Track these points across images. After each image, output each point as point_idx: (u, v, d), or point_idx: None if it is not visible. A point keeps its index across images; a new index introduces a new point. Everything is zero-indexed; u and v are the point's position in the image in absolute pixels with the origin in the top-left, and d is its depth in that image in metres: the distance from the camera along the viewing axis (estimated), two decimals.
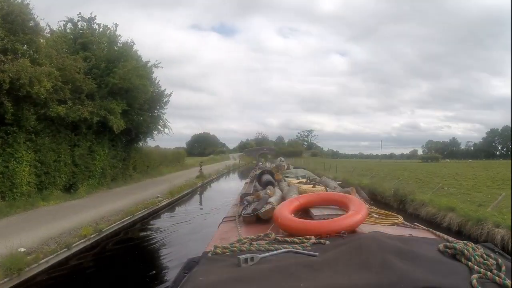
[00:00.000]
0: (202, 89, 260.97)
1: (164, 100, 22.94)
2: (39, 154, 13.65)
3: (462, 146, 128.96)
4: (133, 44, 19.98)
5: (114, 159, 19.62)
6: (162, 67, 21.95)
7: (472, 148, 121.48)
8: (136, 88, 18.23)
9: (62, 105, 14.09)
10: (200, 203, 19.39)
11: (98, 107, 16.11)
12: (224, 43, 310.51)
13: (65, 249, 8.21)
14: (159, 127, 23.24)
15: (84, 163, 16.53)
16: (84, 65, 16.07)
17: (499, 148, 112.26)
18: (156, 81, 22.42)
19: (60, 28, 17.86)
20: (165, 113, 23.67)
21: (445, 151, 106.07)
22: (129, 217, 11.52)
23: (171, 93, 23.49)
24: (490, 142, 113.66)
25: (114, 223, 10.64)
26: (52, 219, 10.64)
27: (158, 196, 15.31)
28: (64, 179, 15.08)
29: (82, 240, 8.84)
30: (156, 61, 21.71)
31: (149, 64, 21.19)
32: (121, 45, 19.07)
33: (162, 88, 23.06)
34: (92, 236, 9.22)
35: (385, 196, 17.00)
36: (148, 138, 24.25)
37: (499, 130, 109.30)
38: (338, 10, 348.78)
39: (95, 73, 16.90)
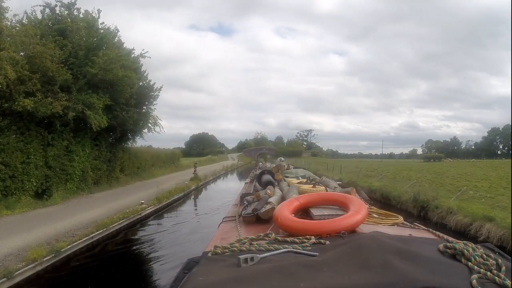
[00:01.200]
0: (200, 89, 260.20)
1: (153, 95, 20.95)
2: (2, 155, 11.67)
3: (463, 146, 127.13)
4: (117, 32, 17.87)
5: (97, 160, 17.73)
6: (150, 57, 20.15)
7: (473, 147, 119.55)
8: (120, 81, 16.29)
9: (30, 97, 11.99)
10: (195, 206, 18.20)
11: (74, 101, 14.02)
12: (223, 43, 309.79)
13: (4, 279, 6.12)
14: (150, 125, 21.40)
15: (60, 165, 14.56)
16: (60, 54, 13.97)
17: (500, 147, 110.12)
18: (145, 74, 20.58)
19: (33, 13, 15.72)
20: (154, 109, 21.82)
21: (446, 151, 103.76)
22: (100, 231, 9.43)
23: (160, 87, 21.60)
24: (491, 141, 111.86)
25: (80, 239, 8.59)
26: (7, 233, 8.60)
27: (142, 203, 13.19)
28: (34, 184, 13.12)
29: (31, 265, 6.73)
30: (143, 50, 19.87)
31: (134, 53, 19.39)
32: (102, 31, 16.91)
33: (152, 82, 21.18)
34: (45, 259, 7.11)
35: (401, 201, 14.91)
36: (137, 137, 22.32)
37: (500, 129, 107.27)
38: (336, 9, 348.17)
39: (72, 63, 14.82)
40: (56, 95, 13.34)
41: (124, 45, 18.80)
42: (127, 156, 22.26)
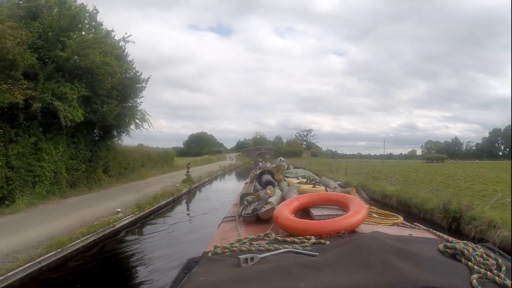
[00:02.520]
0: (200, 89, 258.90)
1: (139, 87, 18.71)
2: None
3: (463, 147, 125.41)
4: (97, 13, 15.63)
5: (73, 160, 15.62)
6: (134, 42, 18.05)
7: (474, 148, 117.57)
8: (99, 69, 14.18)
9: None
10: (186, 214, 15.57)
11: (41, 90, 11.75)
12: (222, 43, 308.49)
13: None
14: (137, 121, 19.24)
15: (26, 165, 12.51)
16: (28, 36, 11.76)
17: (502, 148, 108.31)
18: (130, 62, 18.51)
19: None
20: (141, 103, 19.62)
21: (447, 152, 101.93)
22: (52, 253, 7.17)
23: (148, 78, 19.27)
24: (492, 142, 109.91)
25: (20, 266, 6.30)
26: None
27: (118, 211, 10.92)
28: None
29: None
30: (126, 33, 17.68)
31: (114, 36, 17.22)
32: (75, 9, 14.42)
33: (138, 72, 18.91)
34: None
35: (425, 209, 12.65)
36: (123, 135, 20.17)
37: (502, 130, 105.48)
38: (336, 9, 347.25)
39: (40, 46, 12.54)
40: (18, 82, 11.07)
41: (103, 27, 16.59)
42: (112, 155, 19.94)
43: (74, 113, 13.30)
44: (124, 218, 11.16)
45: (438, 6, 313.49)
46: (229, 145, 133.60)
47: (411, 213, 13.40)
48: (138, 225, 12.05)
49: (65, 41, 12.80)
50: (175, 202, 17.51)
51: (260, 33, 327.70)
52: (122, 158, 21.43)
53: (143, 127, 19.42)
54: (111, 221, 10.22)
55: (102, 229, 9.53)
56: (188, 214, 15.39)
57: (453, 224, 10.81)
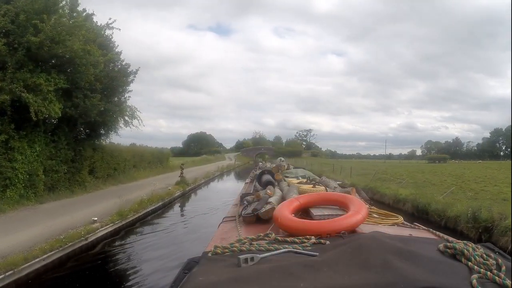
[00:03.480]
0: (199, 89, 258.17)
1: (127, 80, 17.08)
2: None
3: (464, 147, 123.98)
4: None
5: (53, 160, 14.02)
6: (119, 29, 16.29)
7: (475, 148, 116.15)
8: (79, 57, 12.61)
9: None
10: (176, 222, 13.54)
11: (9, 81, 10.21)
12: (221, 43, 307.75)
13: None
14: (127, 118, 17.78)
15: None
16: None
17: (503, 148, 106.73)
18: (118, 54, 16.96)
19: None
20: (129, 97, 18.00)
21: (448, 152, 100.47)
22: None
23: (137, 70, 17.67)
24: (493, 142, 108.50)
25: None
26: None
27: (95, 221, 9.36)
28: None
29: None
30: (110, 19, 15.90)
31: (94, 21, 15.53)
32: None
33: (126, 64, 17.23)
34: None
35: (447, 217, 11.15)
36: (111, 133, 18.43)
37: (503, 130, 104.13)
38: (335, 10, 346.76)
39: (10, 31, 10.99)
40: None
41: (83, 10, 14.68)
42: (99, 155, 18.35)
43: (51, 107, 11.80)
44: (101, 229, 9.54)
45: (438, 6, 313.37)
46: (229, 145, 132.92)
47: (430, 220, 12.06)
48: (122, 233, 10.73)
49: (38, 25, 11.23)
50: (166, 207, 16.02)
51: (259, 33, 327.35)
52: (111, 158, 19.81)
53: (132, 124, 17.96)
54: (83, 233, 8.57)
55: (70, 243, 7.91)
56: (179, 222, 13.64)
57: (483, 235, 9.31)
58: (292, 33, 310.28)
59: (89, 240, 8.84)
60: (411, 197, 14.82)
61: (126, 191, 15.86)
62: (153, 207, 14.23)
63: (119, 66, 16.73)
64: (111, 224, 10.20)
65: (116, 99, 16.63)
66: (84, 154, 16.45)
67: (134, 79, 17.43)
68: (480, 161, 67.04)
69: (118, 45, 17.20)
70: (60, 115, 12.44)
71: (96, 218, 9.88)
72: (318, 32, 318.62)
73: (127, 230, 11.17)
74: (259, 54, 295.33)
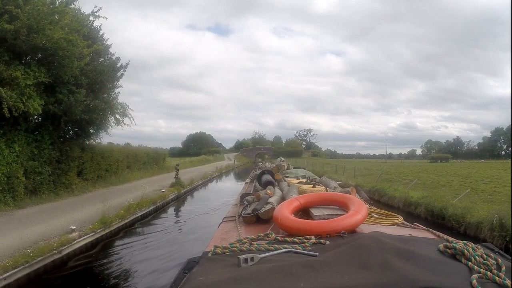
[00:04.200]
0: (198, 89, 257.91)
1: (116, 75, 15.99)
2: None
3: (464, 146, 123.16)
4: None
5: (35, 161, 12.97)
6: (106, 18, 14.85)
7: (476, 147, 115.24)
8: (61, 48, 11.63)
9: None
10: (168, 230, 12.05)
11: None
12: (220, 43, 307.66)
13: None
14: (118, 116, 16.71)
15: None
16: None
17: (504, 147, 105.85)
18: (107, 47, 15.84)
19: None
20: (118, 93, 16.94)
21: (448, 151, 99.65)
22: None
23: (127, 64, 16.58)
24: (494, 142, 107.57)
25: None
26: None
27: (73, 230, 8.29)
28: None
29: None
30: (96, 6, 14.60)
31: (80, 9, 14.42)
32: None
33: (116, 57, 16.16)
34: None
35: (468, 223, 10.42)
36: (101, 132, 17.31)
37: (504, 129, 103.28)
38: (333, 10, 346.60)
39: None
40: None
41: None
42: (89, 155, 17.24)
43: (30, 103, 10.82)
44: (79, 240, 8.36)
45: (436, 6, 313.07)
46: (228, 145, 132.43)
47: (446, 226, 11.11)
48: (103, 243, 9.53)
49: (13, 11, 10.21)
50: (159, 211, 14.84)
51: (258, 33, 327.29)
52: (101, 159, 18.66)
53: (124, 123, 16.78)
54: (55, 245, 7.39)
55: (40, 258, 6.78)
56: (170, 230, 12.08)
57: (511, 244, 8.23)
58: (290, 33, 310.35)
59: (64, 253, 7.62)
60: (423, 200, 13.64)
61: (116, 194, 15.02)
62: (143, 212, 13.01)
63: (108, 60, 15.59)
64: (91, 234, 8.98)
65: (104, 95, 15.42)
66: (71, 154, 15.34)
67: (124, 74, 16.35)
68: (483, 160, 66.37)
69: (108, 38, 16.21)
70: (41, 111, 11.46)
71: (74, 227, 8.56)
72: (317, 32, 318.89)
73: (108, 241, 9.83)
74: (258, 54, 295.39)
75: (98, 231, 9.39)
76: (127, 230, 11.29)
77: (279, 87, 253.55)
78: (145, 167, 26.91)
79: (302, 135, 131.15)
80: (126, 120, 17.12)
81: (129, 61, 16.85)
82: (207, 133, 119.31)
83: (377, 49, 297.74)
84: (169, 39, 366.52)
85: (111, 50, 16.31)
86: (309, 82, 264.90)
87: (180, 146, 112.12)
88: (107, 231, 9.93)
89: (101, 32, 15.71)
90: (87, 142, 17.44)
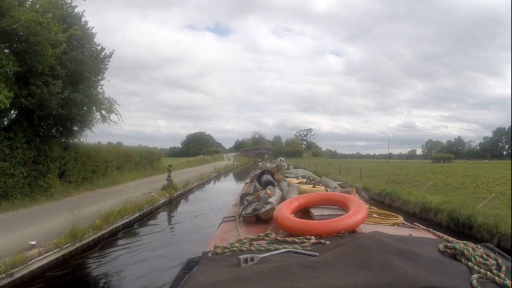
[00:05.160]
0: (198, 89, 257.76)
1: (99, 66, 14.71)
2: None
3: (466, 146, 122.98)
4: None
5: (6, 162, 11.76)
6: (85, 0, 13.64)
7: (478, 147, 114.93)
8: (32, 33, 10.57)
9: None
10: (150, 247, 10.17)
11: None
12: (220, 43, 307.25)
13: None
14: (104, 112, 15.60)
15: None
16: None
17: (506, 147, 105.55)
18: (92, 36, 14.55)
19: None
20: (102, 85, 15.61)
21: (450, 151, 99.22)
22: None
23: (111, 53, 15.29)
24: (496, 142, 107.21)
25: None
26: None
27: (32, 246, 7.23)
28: None
29: None
30: None
31: None
32: None
33: (101, 47, 14.95)
34: None
35: (504, 234, 9.24)
36: (86, 130, 16.04)
37: (506, 129, 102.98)
38: (333, 10, 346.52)
39: None
40: None
41: None
42: (73, 155, 15.86)
43: None
44: (38, 258, 6.93)
45: (436, 6, 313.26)
46: (228, 145, 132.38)
47: (474, 236, 9.94)
48: (73, 262, 8.07)
49: None
50: (146, 218, 13.35)
51: (258, 33, 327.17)
52: (87, 159, 17.28)
53: (110, 120, 15.64)
54: (3, 267, 6.06)
55: None
56: (153, 244, 10.28)
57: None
58: (290, 33, 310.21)
59: (16, 276, 6.29)
60: (445, 206, 12.20)
61: (100, 198, 13.85)
62: (126, 221, 11.49)
63: (89, 49, 14.15)
64: (55, 250, 7.46)
65: (85, 88, 13.85)
66: (50, 154, 13.97)
67: (108, 64, 15.07)
68: (486, 160, 66.08)
69: (93, 27, 14.89)
70: (8, 105, 10.14)
71: (34, 242, 7.09)
72: (317, 32, 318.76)
73: (79, 257, 8.35)
74: (258, 54, 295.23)
75: (65, 246, 7.88)
76: (106, 242, 9.86)
77: (279, 87, 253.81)
78: (138, 168, 25.56)
79: (303, 135, 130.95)
80: (113, 116, 16.08)
81: (114, 50, 15.60)
82: (206, 133, 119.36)
83: (377, 49, 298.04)
84: (169, 39, 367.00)
85: (98, 41, 15.14)
86: (309, 82, 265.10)
87: (180, 146, 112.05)
88: (77, 245, 8.43)
89: (84, 19, 14.50)
90: (71, 141, 16.23)
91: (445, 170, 31.98)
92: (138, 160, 26.30)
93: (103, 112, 15.47)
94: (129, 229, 11.53)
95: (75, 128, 15.61)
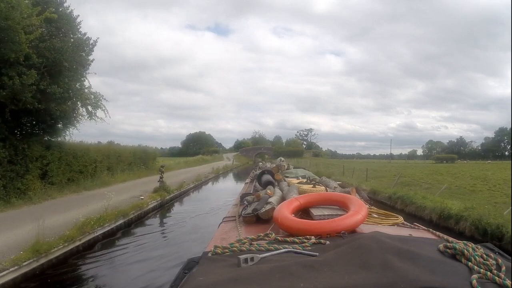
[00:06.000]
0: (198, 89, 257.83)
1: (86, 58, 13.65)
2: None
3: (467, 147, 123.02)
4: None
5: None
6: None
7: (479, 148, 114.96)
8: (2, 18, 9.92)
9: None
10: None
11: None
12: (220, 43, 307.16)
13: None
14: (89, 107, 14.71)
15: None
16: None
17: (508, 147, 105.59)
18: (76, 25, 13.46)
19: None
20: (86, 75, 14.44)
21: (452, 151, 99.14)
22: None
23: (95, 41, 14.06)
24: (498, 142, 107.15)
25: None
26: None
27: None
28: None
29: None
30: None
31: None
32: None
33: (87, 37, 13.79)
34: None
35: None
36: (70, 127, 15.05)
37: (508, 129, 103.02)
38: (333, 10, 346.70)
39: None
40: None
41: None
42: (56, 155, 14.76)
43: None
44: None
45: (436, 6, 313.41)
46: (228, 145, 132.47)
47: (504, 248, 8.16)
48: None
49: None
50: (133, 225, 11.92)
51: (258, 33, 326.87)
52: (73, 159, 16.18)
53: (96, 116, 14.71)
54: None
55: None
56: (128, 262, 8.54)
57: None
58: (290, 33, 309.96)
59: None
60: (469, 213, 10.94)
61: (84, 202, 12.72)
62: (106, 230, 9.97)
63: (67, 35, 12.80)
64: (13, 269, 6.29)
65: (67, 80, 12.54)
66: (29, 153, 12.90)
67: (92, 53, 13.80)
68: (489, 161, 65.98)
69: (78, 15, 13.55)
70: None
71: None
72: (317, 32, 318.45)
73: (46, 275, 7.07)
74: (258, 54, 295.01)
75: (26, 263, 6.63)
76: (81, 254, 8.47)
77: (279, 87, 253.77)
78: (131, 168, 24.30)
79: (303, 135, 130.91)
80: (100, 112, 14.96)
81: (98, 38, 14.27)
82: (207, 132, 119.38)
83: (377, 49, 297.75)
84: (169, 39, 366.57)
85: (86, 32, 13.93)
86: (309, 82, 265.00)
87: (180, 146, 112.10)
88: (42, 261, 7.14)
89: (68, 5, 13.34)
90: (54, 139, 15.12)
91: (450, 171, 31.11)
92: (132, 160, 25.12)
93: (89, 108, 14.55)
94: (110, 239, 10.06)
95: (59, 125, 14.59)
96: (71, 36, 13.06)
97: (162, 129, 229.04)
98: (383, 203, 15.61)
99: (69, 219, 9.39)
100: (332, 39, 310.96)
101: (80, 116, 14.71)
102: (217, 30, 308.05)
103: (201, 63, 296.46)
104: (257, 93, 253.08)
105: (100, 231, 9.69)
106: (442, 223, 11.95)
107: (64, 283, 7.05)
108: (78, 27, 13.60)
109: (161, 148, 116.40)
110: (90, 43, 13.84)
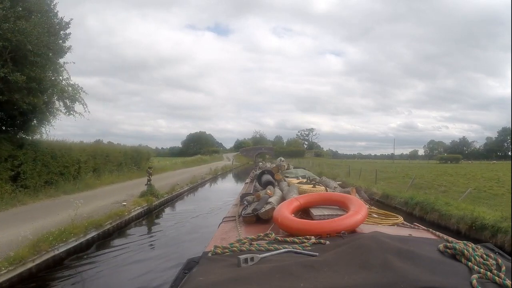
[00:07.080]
0: (198, 89, 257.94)
1: (60, 44, 12.29)
2: None
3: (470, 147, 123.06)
4: None
5: None
6: None
7: (482, 148, 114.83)
8: None
9: None
10: None
11: None
12: (220, 43, 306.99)
13: None
14: (66, 101, 13.36)
15: None
16: None
17: (511, 147, 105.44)
18: (50, 4, 12.27)
19: None
20: (64, 64, 13.03)
21: (455, 152, 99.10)
22: None
23: (68, 22, 12.65)
24: (501, 142, 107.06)
25: None
26: None
27: None
28: None
29: None
30: None
31: None
32: None
33: (63, 21, 12.53)
34: None
35: None
36: (45, 123, 13.91)
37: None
38: (333, 10, 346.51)
39: None
40: None
41: None
42: (31, 155, 13.25)
43: None
44: None
45: (436, 6, 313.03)
46: (228, 145, 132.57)
47: None
48: None
49: None
50: (109, 238, 10.08)
51: (258, 33, 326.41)
52: (51, 159, 14.60)
53: (75, 112, 13.48)
54: None
55: None
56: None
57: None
58: (290, 33, 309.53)
59: None
60: (508, 224, 9.32)
61: (57, 208, 10.98)
62: (71, 246, 8.29)
63: (49, 21, 11.58)
64: None
65: (35, 67, 10.94)
66: None
67: (68, 37, 12.38)
68: (494, 161, 65.88)
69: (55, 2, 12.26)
70: None
71: None
72: (317, 32, 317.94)
73: None
74: (258, 54, 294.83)
75: None
76: (36, 277, 6.83)
77: (279, 87, 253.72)
78: (121, 169, 22.57)
79: (304, 135, 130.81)
80: (78, 107, 13.69)
81: (71, 19, 12.75)
82: (207, 132, 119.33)
83: (377, 49, 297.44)
84: (169, 39, 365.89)
85: (63, 16, 12.54)
86: (309, 82, 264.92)
87: (180, 146, 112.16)
88: None
89: None
90: (28, 137, 13.83)
91: (459, 171, 29.96)
92: (122, 161, 23.32)
93: (67, 102, 13.24)
94: (78, 255, 8.41)
95: (32, 122, 13.30)
96: (39, 17, 11.40)
97: (163, 129, 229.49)
98: (398, 209, 14.27)
99: (26, 233, 7.47)
100: (332, 39, 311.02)
101: (57, 111, 13.49)
102: (217, 30, 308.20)
103: (201, 63, 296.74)
104: (257, 93, 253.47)
105: (63, 248, 7.96)
106: (473, 234, 10.45)
107: None
108: (54, 8, 12.33)
109: (162, 148, 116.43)
110: (64, 22, 12.47)
